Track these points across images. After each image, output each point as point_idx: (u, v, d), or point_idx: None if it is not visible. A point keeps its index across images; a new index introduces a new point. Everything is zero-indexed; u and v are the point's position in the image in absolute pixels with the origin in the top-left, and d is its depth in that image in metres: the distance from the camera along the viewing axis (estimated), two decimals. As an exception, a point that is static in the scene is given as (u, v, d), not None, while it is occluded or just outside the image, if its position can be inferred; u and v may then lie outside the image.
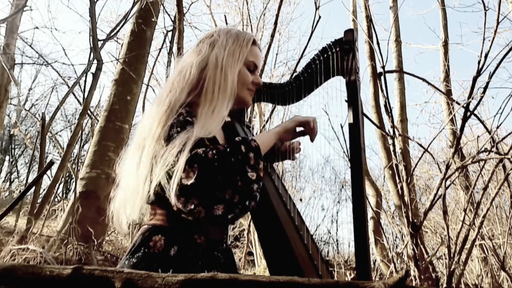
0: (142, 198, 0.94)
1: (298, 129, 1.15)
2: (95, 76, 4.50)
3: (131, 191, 0.96)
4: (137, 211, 0.98)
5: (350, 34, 1.11)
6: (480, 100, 2.29)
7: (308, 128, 1.12)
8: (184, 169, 0.83)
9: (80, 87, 5.67)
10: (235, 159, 0.87)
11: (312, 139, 1.13)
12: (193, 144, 0.87)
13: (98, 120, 5.70)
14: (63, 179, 10.74)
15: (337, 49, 1.11)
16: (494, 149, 2.28)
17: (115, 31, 5.59)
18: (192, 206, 0.83)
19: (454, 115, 3.56)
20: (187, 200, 0.83)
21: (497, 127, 2.40)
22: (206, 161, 0.85)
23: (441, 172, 2.38)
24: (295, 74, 1.22)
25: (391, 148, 2.52)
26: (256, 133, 1.31)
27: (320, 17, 3.41)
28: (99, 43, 4.88)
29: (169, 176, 0.85)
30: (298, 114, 1.14)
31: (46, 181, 11.29)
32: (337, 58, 1.11)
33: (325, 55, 1.13)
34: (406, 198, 2.26)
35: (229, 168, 0.86)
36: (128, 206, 0.98)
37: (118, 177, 1.04)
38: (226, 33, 1.09)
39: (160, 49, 7.05)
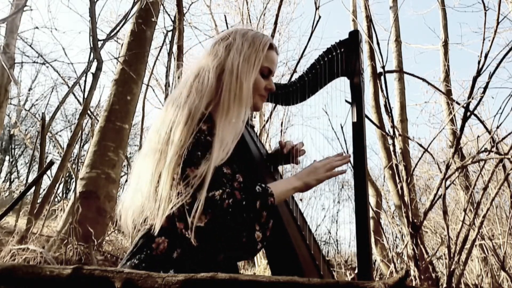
0: (158, 207, 0.92)
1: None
2: (95, 76, 4.50)
3: (146, 197, 0.95)
4: (145, 214, 0.97)
5: (355, 35, 1.10)
6: (480, 100, 2.29)
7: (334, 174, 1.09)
8: (199, 210, 0.85)
9: (80, 87, 5.67)
10: (247, 216, 0.88)
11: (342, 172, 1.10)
12: (211, 178, 0.88)
13: (98, 120, 5.69)
14: (63, 179, 10.73)
15: (342, 50, 1.11)
16: (494, 149, 2.28)
17: (115, 31, 5.58)
18: (195, 245, 0.87)
19: (454, 115, 3.56)
20: (191, 237, 0.87)
21: (497, 127, 2.40)
22: (220, 210, 0.86)
23: (441, 172, 2.38)
24: (299, 74, 1.21)
25: (391, 148, 2.52)
26: (256, 133, 1.31)
27: (320, 17, 3.41)
28: (99, 43, 4.87)
29: (183, 207, 0.87)
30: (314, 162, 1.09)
31: (46, 181, 11.29)
32: (342, 59, 1.10)
33: (330, 56, 1.12)
34: (406, 198, 2.26)
35: (240, 224, 0.87)
36: (138, 208, 0.97)
37: (131, 178, 1.03)
38: (242, 36, 1.06)
39: (160, 49, 7.04)
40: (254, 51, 1.04)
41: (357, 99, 1.06)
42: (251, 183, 0.97)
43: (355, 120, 1.04)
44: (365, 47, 5.80)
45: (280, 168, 1.29)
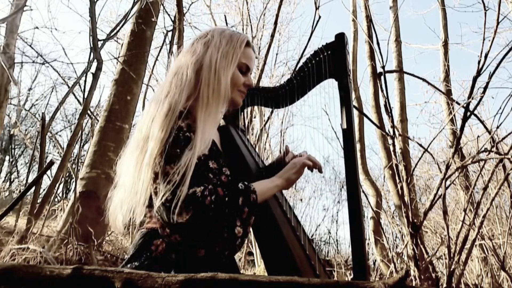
0: (138, 201, 0.94)
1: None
2: (95, 76, 4.50)
3: (128, 192, 0.96)
4: (133, 212, 0.98)
5: (341, 37, 1.12)
6: (480, 100, 2.29)
7: (311, 167, 1.11)
8: (179, 207, 0.84)
9: (80, 87, 5.67)
10: (229, 211, 0.89)
11: (320, 171, 1.12)
12: (194, 173, 0.88)
13: (98, 120, 5.69)
14: (63, 179, 10.73)
15: (329, 52, 1.12)
16: (494, 149, 2.28)
17: (115, 31, 5.58)
18: (176, 241, 0.88)
19: (454, 115, 3.56)
20: (172, 233, 0.88)
21: (497, 127, 2.39)
22: (202, 207, 0.86)
23: (441, 172, 2.38)
24: (287, 77, 1.22)
25: (391, 148, 2.51)
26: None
27: (320, 17, 3.41)
28: (99, 43, 4.88)
29: (163, 204, 0.86)
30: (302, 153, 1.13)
31: (46, 181, 11.29)
32: (329, 61, 1.12)
33: (317, 59, 1.14)
34: (406, 198, 2.26)
35: (222, 220, 0.88)
36: (124, 206, 0.98)
37: (117, 176, 1.05)
38: (220, 34, 1.09)
39: (160, 49, 7.05)
40: (232, 47, 1.07)
41: (345, 100, 1.07)
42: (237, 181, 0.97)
43: (344, 119, 1.05)
44: (365, 47, 5.82)
45: None
